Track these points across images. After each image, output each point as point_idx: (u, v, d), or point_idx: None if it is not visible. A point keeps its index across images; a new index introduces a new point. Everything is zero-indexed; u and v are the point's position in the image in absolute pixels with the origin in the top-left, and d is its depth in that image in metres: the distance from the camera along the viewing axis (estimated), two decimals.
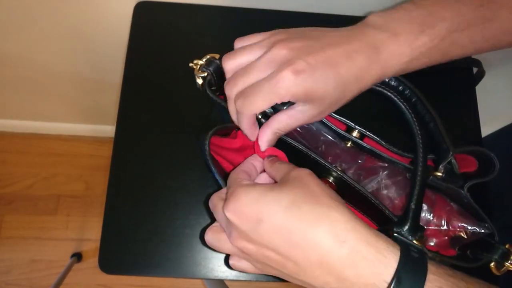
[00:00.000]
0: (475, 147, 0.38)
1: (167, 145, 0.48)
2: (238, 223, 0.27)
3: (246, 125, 0.33)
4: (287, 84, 0.29)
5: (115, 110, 0.49)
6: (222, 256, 0.45)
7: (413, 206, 0.35)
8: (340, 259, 0.24)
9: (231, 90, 0.31)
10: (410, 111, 0.39)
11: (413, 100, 0.39)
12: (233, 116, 0.34)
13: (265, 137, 0.33)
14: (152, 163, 0.47)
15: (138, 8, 0.54)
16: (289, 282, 0.41)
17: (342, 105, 0.33)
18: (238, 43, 0.34)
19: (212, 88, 0.37)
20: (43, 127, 1.19)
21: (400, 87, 0.40)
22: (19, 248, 1.15)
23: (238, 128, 0.38)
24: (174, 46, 0.52)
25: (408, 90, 0.40)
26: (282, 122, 0.32)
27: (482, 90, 0.53)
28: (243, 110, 0.31)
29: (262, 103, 0.30)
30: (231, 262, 0.30)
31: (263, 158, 0.34)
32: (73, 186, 1.21)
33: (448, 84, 0.52)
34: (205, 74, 0.36)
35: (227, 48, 0.52)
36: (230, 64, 0.32)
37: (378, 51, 0.31)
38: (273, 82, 0.29)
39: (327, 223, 0.25)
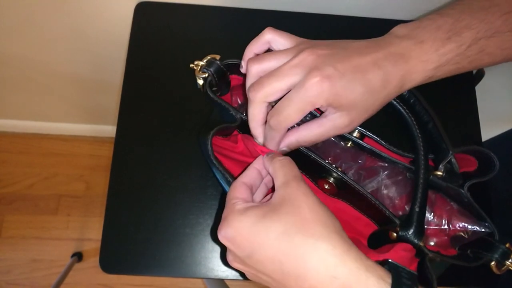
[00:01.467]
0: (474, 147, 0.38)
1: (167, 145, 0.48)
2: (232, 248, 0.28)
3: (277, 141, 0.32)
4: (317, 90, 0.28)
5: (116, 110, 0.49)
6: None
7: (417, 209, 0.35)
8: None
9: (256, 94, 0.31)
10: (410, 114, 0.39)
11: (412, 101, 0.39)
12: (256, 123, 0.33)
13: (287, 143, 0.33)
14: (152, 163, 0.47)
15: (138, 9, 0.54)
16: None
17: (371, 115, 0.32)
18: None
19: (213, 88, 0.37)
20: (44, 127, 1.19)
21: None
22: (20, 248, 1.15)
23: (240, 130, 0.38)
24: (174, 47, 0.52)
25: (406, 92, 0.40)
26: (312, 131, 0.32)
27: (482, 90, 0.53)
28: (277, 126, 0.31)
29: (295, 115, 0.30)
30: (229, 258, 0.31)
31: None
32: (74, 186, 1.21)
33: (448, 84, 0.52)
34: (206, 75, 0.36)
35: (227, 48, 0.52)
36: (256, 67, 0.32)
37: (404, 58, 0.31)
38: (303, 90, 0.29)
39: (317, 257, 0.25)
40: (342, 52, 0.30)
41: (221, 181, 0.36)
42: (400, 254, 0.32)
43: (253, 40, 0.35)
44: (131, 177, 0.47)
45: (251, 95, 0.31)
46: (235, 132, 0.40)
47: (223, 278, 0.45)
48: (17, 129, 1.20)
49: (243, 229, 0.27)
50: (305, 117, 0.32)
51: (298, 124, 0.33)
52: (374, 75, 0.30)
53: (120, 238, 0.45)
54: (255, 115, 0.32)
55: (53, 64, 0.77)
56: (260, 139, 0.34)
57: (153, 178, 0.47)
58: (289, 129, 0.33)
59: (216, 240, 0.45)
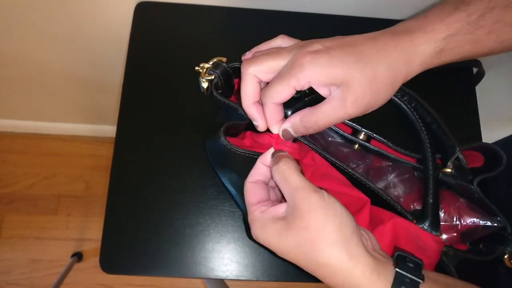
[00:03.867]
0: (480, 143, 0.38)
1: (168, 145, 0.48)
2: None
3: (269, 116, 0.32)
4: (301, 64, 0.29)
5: (116, 110, 0.49)
6: (222, 255, 0.45)
7: (430, 200, 0.35)
8: None
9: (248, 66, 0.31)
10: (412, 110, 0.39)
11: (413, 104, 0.40)
12: (247, 99, 0.33)
13: (291, 123, 0.32)
14: (152, 163, 0.47)
15: (138, 8, 0.54)
16: (289, 282, 0.42)
17: (380, 90, 0.29)
18: None
19: (219, 91, 0.37)
20: (44, 127, 1.19)
21: (399, 93, 0.40)
22: (20, 248, 1.15)
23: (247, 127, 0.38)
24: (174, 46, 0.52)
25: (407, 96, 0.40)
26: (318, 110, 0.30)
27: (482, 90, 0.53)
28: (265, 99, 0.31)
29: (282, 89, 0.30)
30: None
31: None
32: (74, 186, 1.21)
33: (448, 84, 0.52)
34: (212, 77, 0.36)
35: (227, 48, 0.52)
36: (255, 49, 0.34)
37: (405, 32, 0.30)
38: (289, 64, 0.29)
39: (326, 273, 0.29)
40: (336, 38, 0.31)
41: (227, 186, 0.37)
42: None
43: (264, 42, 0.35)
44: (131, 177, 0.47)
45: (243, 67, 0.32)
46: (242, 133, 0.40)
47: (223, 278, 0.45)
48: (17, 129, 1.20)
49: (267, 240, 0.30)
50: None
51: None
52: (367, 47, 0.29)
53: (120, 238, 0.45)
54: (246, 89, 0.32)
55: (53, 64, 0.77)
56: (255, 121, 0.33)
57: (153, 178, 0.47)
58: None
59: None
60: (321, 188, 0.31)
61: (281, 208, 0.31)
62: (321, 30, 0.54)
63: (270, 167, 0.33)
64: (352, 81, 0.28)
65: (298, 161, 0.35)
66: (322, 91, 0.30)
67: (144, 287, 1.16)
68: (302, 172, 0.35)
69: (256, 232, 0.31)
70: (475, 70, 0.52)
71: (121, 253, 0.44)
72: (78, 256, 1.14)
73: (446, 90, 0.52)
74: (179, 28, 0.53)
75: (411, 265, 0.28)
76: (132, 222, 0.45)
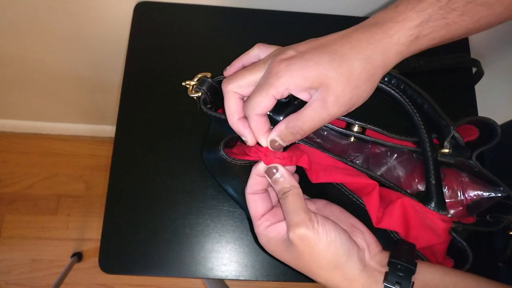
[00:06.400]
0: (473, 117, 0.38)
1: (167, 145, 0.48)
2: None
3: (255, 128, 0.32)
4: (277, 72, 0.29)
5: (115, 110, 0.49)
6: (222, 255, 0.45)
7: (433, 182, 0.35)
8: None
9: (228, 84, 0.32)
10: (401, 94, 0.39)
11: (402, 86, 0.39)
12: (231, 116, 0.33)
13: (277, 131, 0.31)
14: (152, 163, 0.47)
15: (138, 8, 0.54)
16: (289, 282, 0.42)
17: (360, 88, 0.29)
18: None
19: (208, 106, 0.37)
20: (44, 127, 1.19)
21: (386, 78, 0.40)
22: (20, 248, 1.15)
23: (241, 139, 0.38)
24: (174, 46, 0.52)
25: (394, 80, 0.40)
26: (301, 115, 0.30)
27: (482, 90, 0.53)
28: (247, 111, 0.31)
29: (262, 99, 0.30)
30: None
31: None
32: (73, 186, 1.21)
33: (447, 84, 0.52)
34: (199, 93, 0.36)
35: (227, 48, 0.52)
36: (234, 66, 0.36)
37: (377, 25, 0.30)
38: (266, 74, 0.30)
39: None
40: (310, 41, 0.31)
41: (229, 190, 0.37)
42: None
43: (243, 54, 0.36)
44: (131, 177, 0.47)
45: (224, 86, 0.32)
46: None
47: (222, 278, 0.45)
48: (17, 129, 1.20)
49: (270, 250, 0.34)
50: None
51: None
52: (340, 45, 0.29)
53: (120, 238, 0.45)
54: (229, 106, 0.32)
55: (53, 64, 0.77)
56: (243, 136, 0.33)
57: (153, 178, 0.47)
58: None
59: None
60: (317, 202, 0.35)
61: (283, 230, 0.32)
62: (320, 30, 0.54)
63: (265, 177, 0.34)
64: (329, 81, 0.28)
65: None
66: (302, 96, 0.30)
67: (144, 287, 1.16)
68: (305, 169, 0.35)
69: (261, 242, 0.34)
70: (474, 69, 0.52)
71: (121, 253, 0.44)
72: (78, 256, 1.14)
73: (445, 89, 0.52)
74: (179, 28, 0.53)
75: (401, 274, 0.30)
76: (131, 222, 0.45)
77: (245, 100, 0.32)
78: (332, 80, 0.28)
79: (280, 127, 0.31)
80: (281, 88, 0.29)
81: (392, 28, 0.29)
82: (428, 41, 0.30)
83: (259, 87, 0.30)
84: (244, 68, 0.33)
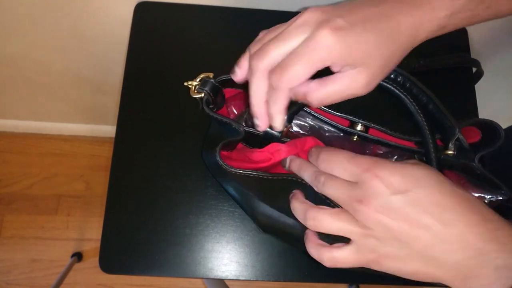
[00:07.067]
0: (477, 118, 0.38)
1: (168, 145, 0.48)
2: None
3: (282, 104, 0.29)
4: (328, 43, 0.26)
5: (115, 110, 0.49)
6: (222, 255, 0.45)
7: None
8: None
9: (259, 62, 0.28)
10: (406, 93, 0.39)
11: (408, 85, 0.39)
12: (259, 98, 0.29)
13: (294, 92, 0.28)
14: (152, 163, 0.47)
15: (138, 8, 0.54)
16: (288, 282, 0.42)
17: (387, 73, 0.29)
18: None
19: (210, 106, 0.36)
20: (44, 127, 1.19)
21: (392, 75, 0.40)
22: (20, 248, 1.15)
23: (244, 142, 0.38)
24: (174, 46, 0.52)
25: (401, 77, 0.40)
26: (325, 86, 0.28)
27: (482, 90, 0.53)
28: (280, 84, 0.27)
29: (303, 71, 0.26)
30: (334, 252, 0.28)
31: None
32: (73, 186, 1.21)
33: (447, 83, 0.52)
34: (202, 94, 0.35)
35: (227, 48, 0.52)
36: (261, 36, 0.31)
37: (414, 6, 0.28)
38: (312, 44, 0.26)
39: None
40: (347, 7, 0.28)
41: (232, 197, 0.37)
42: None
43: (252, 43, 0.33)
44: (131, 177, 0.47)
45: (253, 63, 0.28)
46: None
47: (222, 278, 0.45)
48: (17, 129, 1.20)
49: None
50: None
51: None
52: (385, 25, 0.28)
53: (120, 238, 0.45)
54: (259, 87, 0.29)
55: (53, 64, 0.77)
56: (261, 120, 0.30)
57: (153, 178, 0.47)
58: None
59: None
60: None
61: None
62: None
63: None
64: (371, 64, 0.27)
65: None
66: (335, 68, 0.28)
67: (144, 287, 1.16)
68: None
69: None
70: (474, 69, 0.52)
71: (121, 253, 0.44)
72: (78, 256, 1.14)
73: (445, 89, 0.52)
74: (179, 28, 0.53)
75: None
76: (131, 222, 0.45)
77: (277, 66, 0.27)
78: (374, 63, 0.27)
79: (298, 91, 0.28)
80: (328, 61, 0.26)
81: (427, 14, 0.28)
82: (446, 31, 0.30)
83: (299, 56, 0.26)
84: (274, 39, 0.28)
